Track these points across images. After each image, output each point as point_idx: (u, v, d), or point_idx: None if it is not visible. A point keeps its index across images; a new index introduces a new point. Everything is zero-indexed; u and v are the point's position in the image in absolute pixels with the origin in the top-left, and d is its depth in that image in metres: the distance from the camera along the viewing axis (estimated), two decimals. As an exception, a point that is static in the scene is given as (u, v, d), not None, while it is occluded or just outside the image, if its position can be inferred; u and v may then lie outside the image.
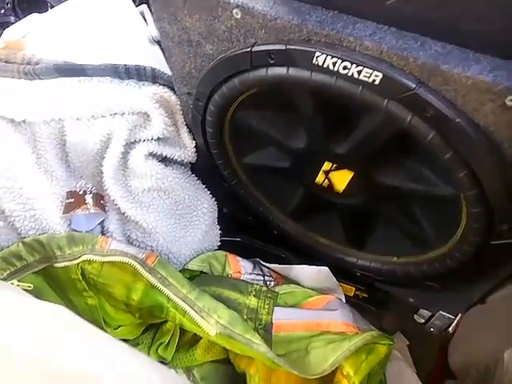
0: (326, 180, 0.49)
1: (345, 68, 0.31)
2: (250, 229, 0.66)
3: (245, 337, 0.47)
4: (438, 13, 0.28)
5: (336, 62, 0.31)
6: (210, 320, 0.49)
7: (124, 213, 0.54)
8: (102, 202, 0.55)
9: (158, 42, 0.57)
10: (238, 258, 0.59)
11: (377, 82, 0.31)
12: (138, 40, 0.56)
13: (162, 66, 0.53)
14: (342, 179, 0.47)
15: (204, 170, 0.61)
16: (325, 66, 0.32)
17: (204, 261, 0.59)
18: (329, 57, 0.31)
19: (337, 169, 0.47)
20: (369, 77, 0.31)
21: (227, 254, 0.60)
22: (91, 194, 0.54)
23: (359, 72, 0.31)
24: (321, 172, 0.48)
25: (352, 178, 0.46)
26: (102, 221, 0.56)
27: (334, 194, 0.50)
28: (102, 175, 0.54)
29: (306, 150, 0.45)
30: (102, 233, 0.55)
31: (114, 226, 0.55)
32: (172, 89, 0.51)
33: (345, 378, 0.48)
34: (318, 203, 0.54)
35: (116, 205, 0.54)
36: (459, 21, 0.28)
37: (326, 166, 0.47)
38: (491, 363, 0.42)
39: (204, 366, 0.54)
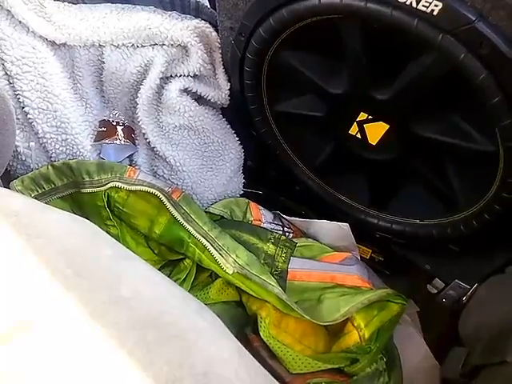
0: (360, 132, 0.48)
1: (404, -5, 0.31)
2: (272, 183, 0.67)
3: (261, 277, 0.48)
4: None
5: (395, -11, 0.31)
6: (229, 258, 0.49)
7: (153, 148, 0.54)
8: (132, 135, 0.56)
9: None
10: (260, 207, 0.60)
11: (435, 13, 0.30)
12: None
13: (205, 3, 0.52)
14: (376, 131, 0.47)
15: (234, 119, 0.61)
16: (383, -8, 0.31)
17: (226, 206, 0.59)
18: (388, -18, 0.30)
19: (372, 120, 0.46)
20: (428, 6, 0.30)
21: (249, 201, 0.60)
22: (123, 126, 0.55)
23: (418, 1, 0.30)
24: (355, 123, 0.48)
25: (387, 130, 0.46)
26: (131, 154, 0.56)
27: (365, 148, 0.50)
28: (134, 109, 0.55)
29: (344, 96, 0.45)
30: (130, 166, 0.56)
31: (142, 160, 0.55)
32: (214, 25, 0.50)
33: (355, 329, 0.48)
34: (346, 158, 0.54)
35: (146, 139, 0.54)
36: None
37: (361, 116, 0.47)
38: (507, 326, 0.42)
39: (216, 306, 0.55)
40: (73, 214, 0.38)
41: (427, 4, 0.30)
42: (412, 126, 0.42)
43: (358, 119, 0.47)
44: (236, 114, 0.59)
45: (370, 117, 0.46)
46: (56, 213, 0.36)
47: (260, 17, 0.41)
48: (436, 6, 0.30)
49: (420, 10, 0.31)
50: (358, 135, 0.48)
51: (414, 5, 0.31)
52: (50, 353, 0.23)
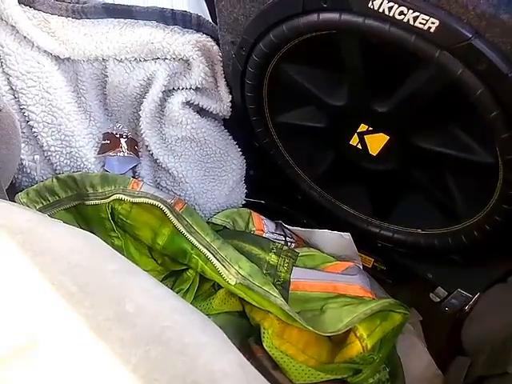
0: (361, 142, 0.49)
1: (401, 13, 0.31)
2: (274, 193, 0.67)
3: (263, 288, 0.48)
4: None
5: (392, 7, 0.31)
6: (231, 270, 0.50)
7: (156, 159, 0.55)
8: (136, 147, 0.56)
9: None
10: (262, 217, 0.60)
11: (432, 30, 0.31)
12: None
13: (207, 17, 0.53)
14: (377, 142, 0.47)
15: (235, 129, 0.61)
16: (380, 10, 0.32)
17: (228, 216, 0.60)
18: (386, 0, 0.31)
19: (372, 132, 0.47)
20: (424, 24, 0.31)
21: (251, 211, 0.60)
22: (126, 139, 0.55)
23: (415, 18, 0.31)
24: (356, 134, 0.48)
25: (387, 141, 0.46)
26: (134, 166, 0.57)
27: (365, 158, 0.50)
28: (137, 122, 0.55)
29: (345, 108, 0.45)
30: (134, 178, 0.57)
31: (145, 171, 0.56)
32: (215, 39, 0.51)
33: (358, 340, 0.48)
34: (347, 169, 0.54)
35: (149, 151, 0.55)
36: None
37: (362, 128, 0.47)
38: (509, 337, 0.42)
39: (219, 316, 0.55)
40: (77, 228, 0.39)
41: (424, 21, 0.31)
42: (412, 138, 0.43)
43: (358, 130, 0.47)
44: (238, 125, 0.59)
45: (370, 128, 0.46)
46: (61, 228, 0.37)
47: (260, 32, 0.41)
48: (433, 23, 0.30)
49: (417, 27, 0.31)
50: (359, 146, 0.49)
51: (412, 22, 0.31)
52: (55, 370, 0.23)
